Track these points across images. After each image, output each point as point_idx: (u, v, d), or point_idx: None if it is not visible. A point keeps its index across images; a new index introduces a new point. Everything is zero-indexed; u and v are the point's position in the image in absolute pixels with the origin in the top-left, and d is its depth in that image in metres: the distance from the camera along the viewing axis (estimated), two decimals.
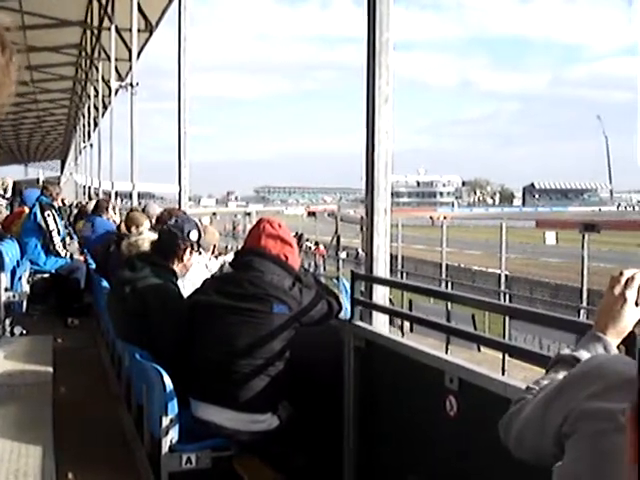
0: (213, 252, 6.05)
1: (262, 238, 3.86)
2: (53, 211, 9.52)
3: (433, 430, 3.04)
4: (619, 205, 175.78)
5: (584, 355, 1.63)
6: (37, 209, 9.50)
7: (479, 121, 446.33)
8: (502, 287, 20.88)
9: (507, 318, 14.61)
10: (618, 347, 1.74)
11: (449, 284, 21.32)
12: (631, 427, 0.75)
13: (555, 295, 23.98)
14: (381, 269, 3.73)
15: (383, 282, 3.76)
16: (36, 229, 9.47)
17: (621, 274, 1.71)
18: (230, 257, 5.27)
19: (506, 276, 23.09)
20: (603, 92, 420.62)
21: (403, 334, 13.41)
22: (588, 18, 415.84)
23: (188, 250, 4.52)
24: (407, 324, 16.01)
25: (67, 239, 11.02)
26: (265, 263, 3.79)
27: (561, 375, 1.59)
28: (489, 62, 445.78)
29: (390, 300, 4.24)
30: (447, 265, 26.09)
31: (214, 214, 62.13)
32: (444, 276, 24.16)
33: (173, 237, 4.50)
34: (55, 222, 9.46)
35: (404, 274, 24.28)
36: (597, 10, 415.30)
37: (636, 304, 1.69)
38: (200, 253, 4.91)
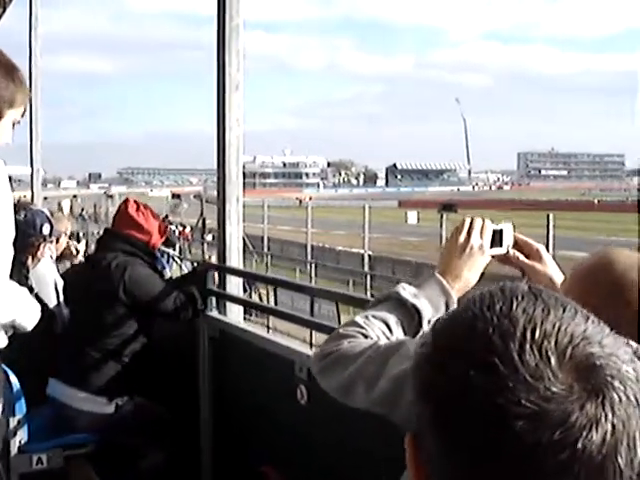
0: (57, 241, 5.79)
1: (117, 218, 3.98)
2: None
3: (286, 419, 3.07)
4: (475, 184, 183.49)
5: (425, 307, 1.52)
6: None
7: (345, 103, 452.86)
8: (365, 268, 21.39)
9: None
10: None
11: (313, 266, 21.58)
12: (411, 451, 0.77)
13: (417, 274, 24.75)
14: (234, 258, 3.71)
15: (235, 273, 3.75)
16: None
17: (473, 220, 1.64)
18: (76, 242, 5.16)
19: (369, 256, 23.63)
20: (462, 75, 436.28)
21: (269, 322, 13.43)
22: (451, 3, 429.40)
23: (42, 245, 4.38)
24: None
25: None
26: (115, 242, 3.87)
27: (393, 319, 1.51)
28: (355, 44, 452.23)
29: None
30: (312, 246, 26.41)
31: (75, 197, 59.90)
32: (309, 257, 24.45)
33: (25, 234, 4.33)
34: None
35: (269, 256, 24.35)
36: None
37: (480, 248, 1.61)
38: (51, 242, 4.77)
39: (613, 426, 0.64)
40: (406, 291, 1.55)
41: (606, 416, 0.64)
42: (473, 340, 0.69)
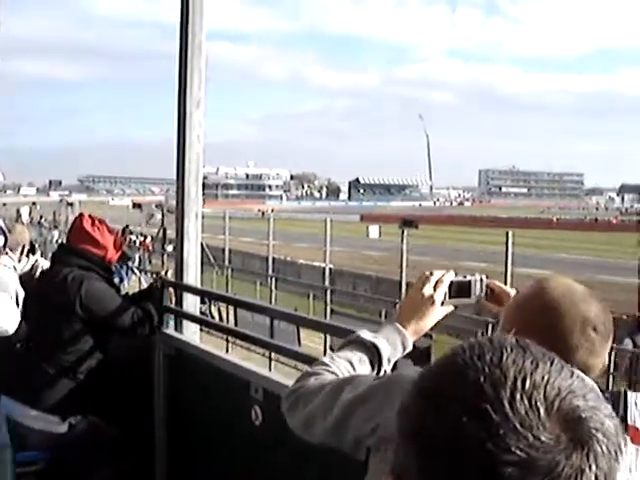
0: (22, 252, 5.71)
1: (72, 233, 3.93)
2: None
3: (240, 439, 3.05)
4: (437, 200, 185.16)
5: (383, 345, 1.66)
6: None
7: (309, 116, 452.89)
8: (326, 282, 21.38)
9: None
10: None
11: (274, 279, 21.51)
12: None
13: (376, 288, 24.83)
14: (192, 276, 3.68)
15: (192, 290, 3.71)
16: None
17: (431, 274, 1.75)
18: (40, 257, 5.07)
19: (330, 270, 23.63)
20: (427, 92, 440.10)
21: (228, 347, 13.35)
22: (416, 21, 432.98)
23: None
24: None
25: None
26: (70, 257, 3.82)
27: (356, 357, 1.65)
28: (321, 59, 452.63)
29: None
30: (274, 258, 26.31)
31: (34, 204, 59.13)
32: (270, 270, 24.38)
33: None
34: None
35: (230, 269, 24.18)
36: (424, 14, 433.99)
37: (441, 304, 1.73)
38: (7, 253, 4.68)
39: (596, 478, 0.67)
40: (366, 333, 1.69)
41: (590, 467, 0.67)
42: (465, 387, 0.70)
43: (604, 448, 0.68)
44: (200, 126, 3.70)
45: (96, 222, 3.87)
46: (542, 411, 0.67)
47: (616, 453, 0.69)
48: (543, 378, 0.70)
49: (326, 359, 1.67)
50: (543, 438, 0.66)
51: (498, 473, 0.65)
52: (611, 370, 10.70)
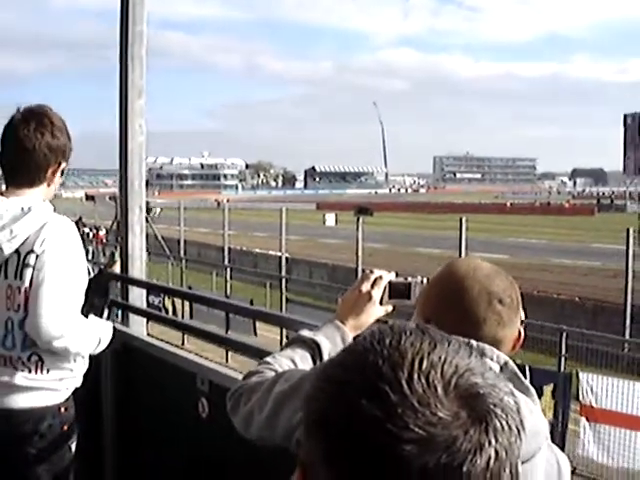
0: None
1: None
2: None
3: (187, 431, 3.05)
4: (392, 187, 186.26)
5: (323, 341, 1.71)
6: None
7: (264, 105, 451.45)
8: (283, 271, 21.37)
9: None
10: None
11: (230, 270, 21.43)
12: None
13: (333, 276, 24.92)
14: (137, 269, 3.64)
15: (138, 284, 3.67)
16: None
17: (371, 272, 1.81)
18: None
19: (287, 258, 23.63)
20: (381, 80, 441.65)
21: (184, 337, 13.28)
22: (369, 9, 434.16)
23: None
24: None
25: None
26: None
27: (298, 355, 1.69)
28: (276, 48, 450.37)
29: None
30: (230, 249, 26.21)
31: None
32: (227, 261, 24.30)
33: None
34: None
35: (185, 260, 24.04)
36: (377, 2, 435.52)
37: (380, 303, 1.78)
38: None
39: (496, 452, 0.67)
40: (305, 332, 1.76)
41: (489, 442, 0.67)
42: (364, 371, 0.71)
43: (503, 423, 0.69)
44: (142, 116, 3.64)
45: None
46: (439, 389, 0.68)
47: (517, 429, 0.70)
48: (440, 358, 0.71)
49: (269, 358, 1.72)
50: (441, 415, 0.67)
51: (397, 451, 0.66)
52: (563, 352, 10.88)
